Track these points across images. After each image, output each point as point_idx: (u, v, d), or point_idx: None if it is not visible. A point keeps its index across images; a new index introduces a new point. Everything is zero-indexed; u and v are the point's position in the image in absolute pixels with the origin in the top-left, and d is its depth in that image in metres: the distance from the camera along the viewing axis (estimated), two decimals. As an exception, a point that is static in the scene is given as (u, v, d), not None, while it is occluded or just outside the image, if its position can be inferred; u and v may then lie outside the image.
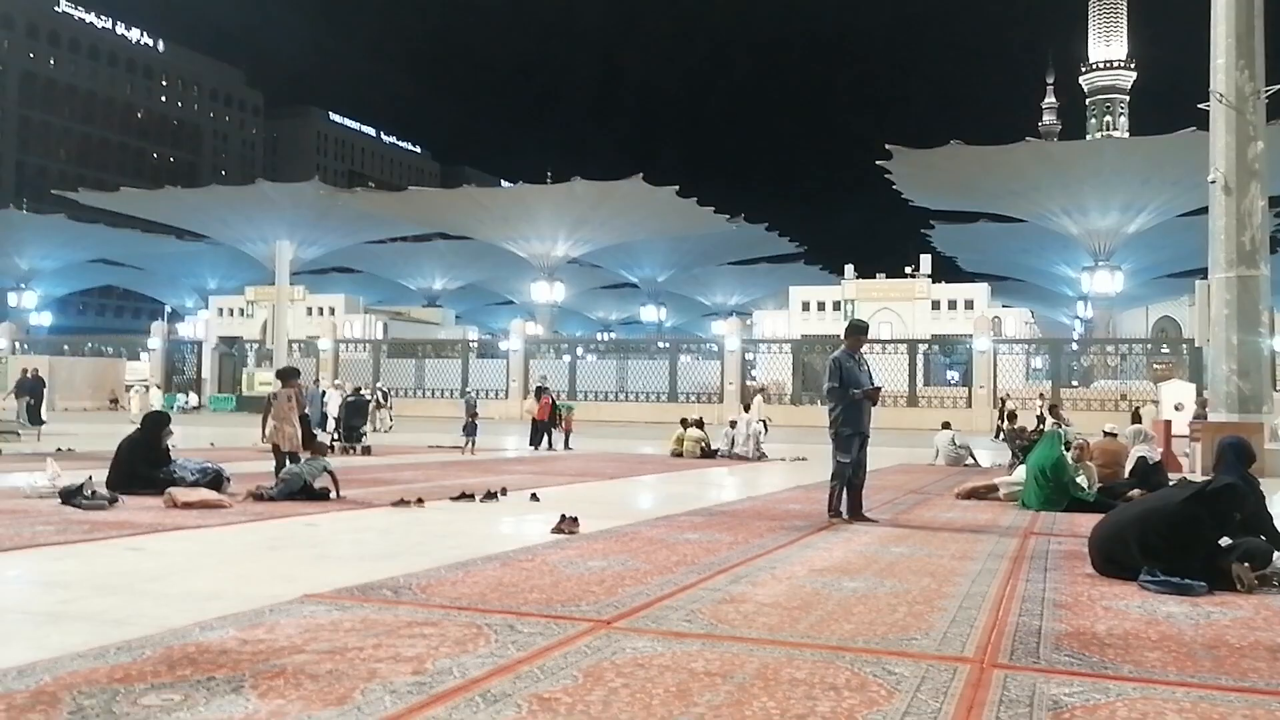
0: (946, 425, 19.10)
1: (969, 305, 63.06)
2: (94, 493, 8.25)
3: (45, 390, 25.40)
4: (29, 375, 25.69)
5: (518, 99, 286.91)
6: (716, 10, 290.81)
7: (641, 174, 52.01)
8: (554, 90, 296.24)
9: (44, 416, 24.07)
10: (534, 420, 20.65)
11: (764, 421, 21.85)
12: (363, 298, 74.18)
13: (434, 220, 65.32)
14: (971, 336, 40.99)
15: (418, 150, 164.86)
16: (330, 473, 9.62)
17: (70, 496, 8.17)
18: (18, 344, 52.14)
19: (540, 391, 20.88)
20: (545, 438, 20.22)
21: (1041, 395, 34.33)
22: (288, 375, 11.53)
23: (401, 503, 8.99)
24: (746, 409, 21.18)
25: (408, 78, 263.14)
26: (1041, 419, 25.45)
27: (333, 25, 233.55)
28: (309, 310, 64.28)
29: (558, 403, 21.88)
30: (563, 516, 7.50)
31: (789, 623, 4.36)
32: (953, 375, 49.65)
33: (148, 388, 34.57)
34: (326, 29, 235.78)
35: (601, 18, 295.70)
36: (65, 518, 7.45)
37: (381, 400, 28.72)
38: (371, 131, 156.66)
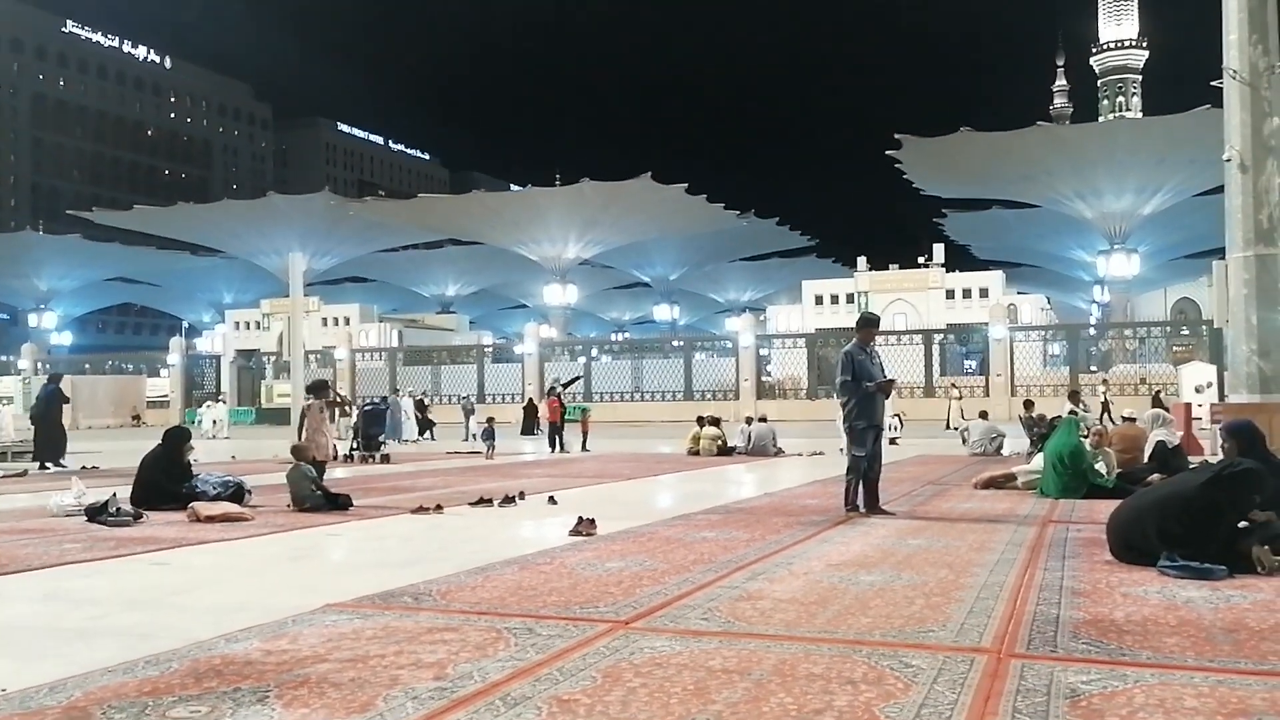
0: (984, 415, 19.54)
1: (984, 293, 62.75)
2: (118, 510, 8.34)
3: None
4: None
5: (523, 102, 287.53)
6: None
7: (650, 173, 52.00)
8: (560, 92, 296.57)
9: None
10: (549, 422, 20.85)
11: (898, 416, 22.13)
12: (377, 306, 74.55)
13: (445, 226, 65.48)
14: (987, 325, 40.79)
15: (426, 157, 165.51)
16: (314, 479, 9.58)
17: (95, 514, 8.27)
18: (39, 364, 52.63)
19: (550, 393, 21.05)
20: (557, 439, 20.33)
21: (1105, 381, 33.82)
22: (319, 389, 12.01)
23: (421, 509, 9.05)
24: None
25: (413, 85, 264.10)
26: (1106, 407, 25.85)
27: (337, 36, 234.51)
28: (324, 321, 64.74)
29: (571, 405, 22.01)
30: (580, 518, 7.54)
31: (806, 618, 4.38)
32: (969, 364, 49.43)
33: (213, 403, 35.00)
34: (331, 40, 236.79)
35: (606, 18, 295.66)
36: (91, 535, 7.54)
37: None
38: (380, 140, 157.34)
